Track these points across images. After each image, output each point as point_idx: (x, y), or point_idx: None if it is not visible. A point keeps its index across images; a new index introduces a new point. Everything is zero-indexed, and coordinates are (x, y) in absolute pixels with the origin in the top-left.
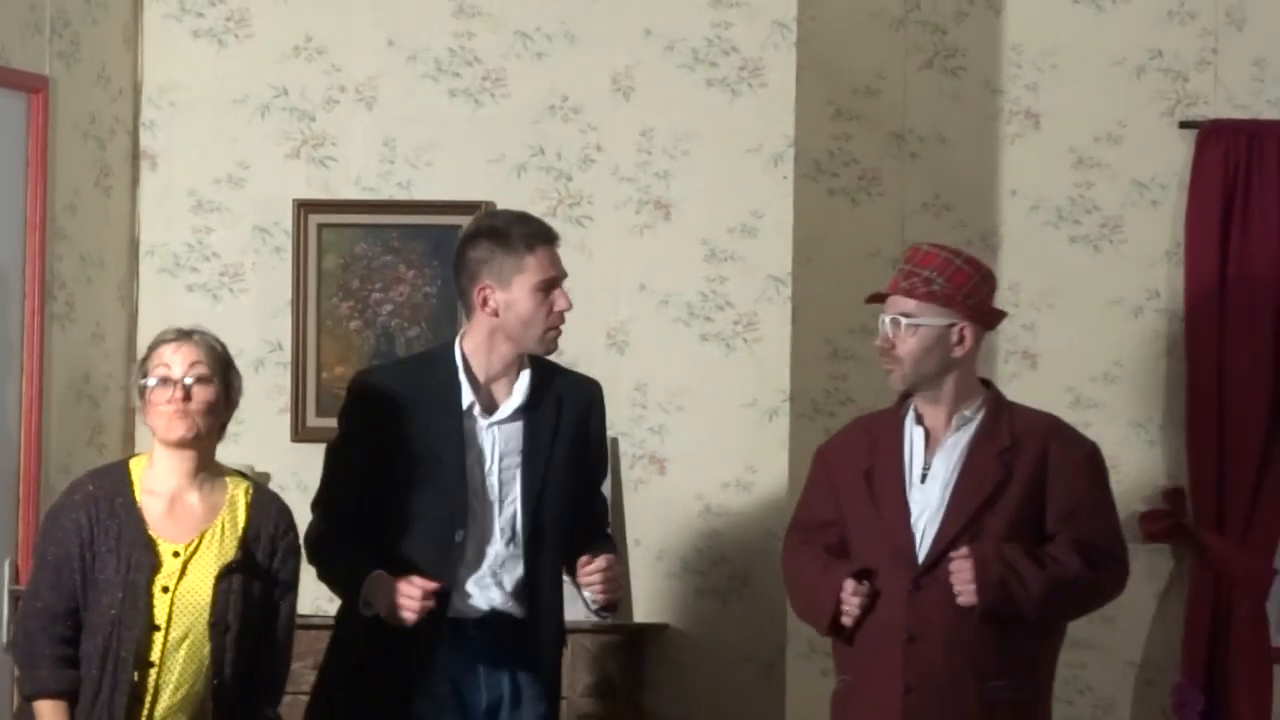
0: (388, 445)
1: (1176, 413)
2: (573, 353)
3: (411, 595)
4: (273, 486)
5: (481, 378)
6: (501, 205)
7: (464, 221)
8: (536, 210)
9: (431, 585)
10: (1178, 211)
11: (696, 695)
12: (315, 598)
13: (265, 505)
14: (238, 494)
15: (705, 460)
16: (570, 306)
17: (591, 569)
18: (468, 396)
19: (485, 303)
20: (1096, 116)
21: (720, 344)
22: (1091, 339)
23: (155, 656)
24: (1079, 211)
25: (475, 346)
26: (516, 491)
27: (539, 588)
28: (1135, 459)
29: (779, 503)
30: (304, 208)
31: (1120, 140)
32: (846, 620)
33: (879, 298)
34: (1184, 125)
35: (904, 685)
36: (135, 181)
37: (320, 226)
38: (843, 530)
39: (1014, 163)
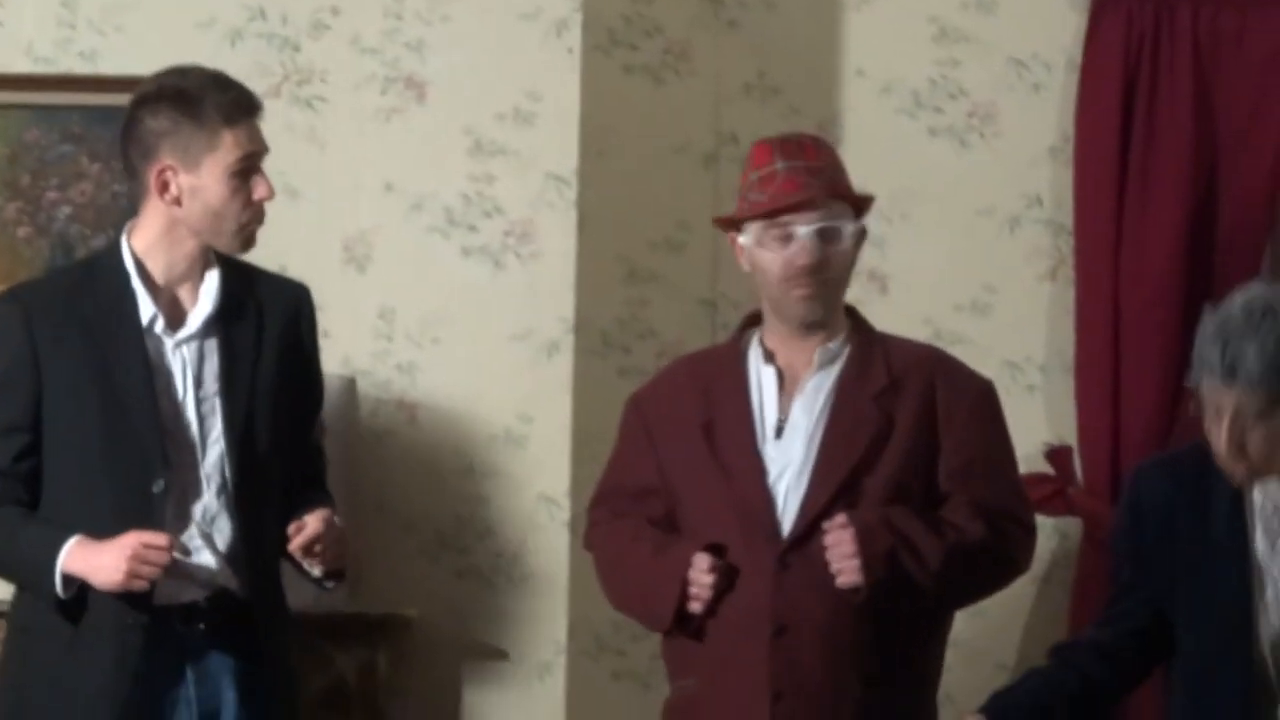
0: (49, 382)
1: (1063, 351)
2: (299, 268)
3: (155, 544)
4: None
5: (160, 283)
6: None
7: None
8: (256, 89)
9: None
10: (1066, 98)
11: (451, 704)
12: None
13: None
14: None
15: (468, 408)
16: (272, 194)
17: (306, 536)
18: (147, 308)
19: (165, 187)
20: None
21: (487, 260)
22: (956, 257)
23: None
24: (941, 96)
25: (150, 244)
26: (219, 427)
27: (259, 551)
28: (1011, 409)
29: (560, 461)
30: None
31: (994, 8)
32: (696, 606)
33: (786, 207)
34: None
35: (772, 690)
36: None
37: None
38: (669, 500)
39: (859, 35)
